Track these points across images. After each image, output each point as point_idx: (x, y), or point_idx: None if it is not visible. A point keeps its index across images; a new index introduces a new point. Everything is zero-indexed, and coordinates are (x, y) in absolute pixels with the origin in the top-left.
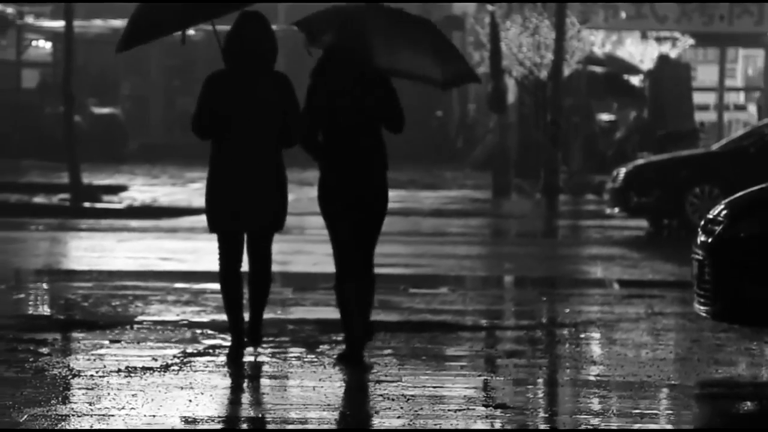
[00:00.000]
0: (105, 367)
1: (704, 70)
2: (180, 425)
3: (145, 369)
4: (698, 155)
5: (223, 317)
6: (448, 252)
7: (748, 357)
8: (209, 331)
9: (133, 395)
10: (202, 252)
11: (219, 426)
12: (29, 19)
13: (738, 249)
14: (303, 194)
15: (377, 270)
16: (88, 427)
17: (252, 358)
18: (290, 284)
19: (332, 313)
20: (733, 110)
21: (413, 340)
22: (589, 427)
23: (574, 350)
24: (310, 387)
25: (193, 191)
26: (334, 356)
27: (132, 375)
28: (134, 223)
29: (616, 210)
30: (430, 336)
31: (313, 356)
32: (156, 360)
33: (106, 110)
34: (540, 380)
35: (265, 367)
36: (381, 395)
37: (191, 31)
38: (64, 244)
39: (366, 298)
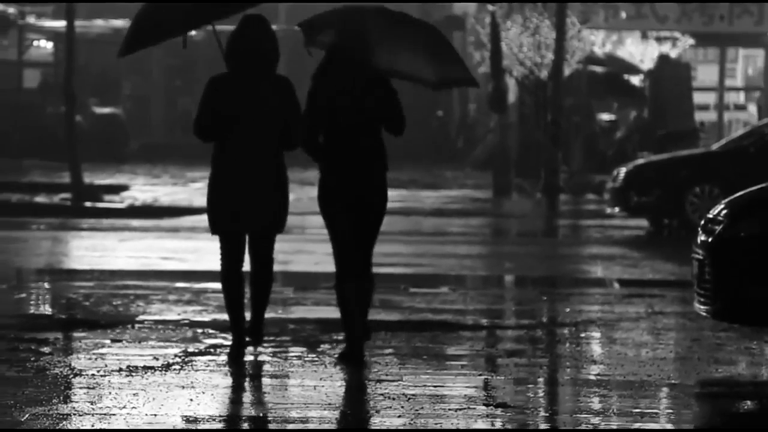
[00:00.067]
0: (106, 366)
1: (704, 70)
2: (181, 424)
3: (146, 368)
4: (698, 155)
5: (224, 317)
6: (448, 251)
7: (748, 356)
8: (210, 331)
9: (134, 394)
10: (203, 251)
11: (220, 425)
12: (31, 19)
13: (738, 248)
14: (304, 194)
15: (378, 269)
16: (90, 426)
17: (253, 358)
18: (291, 284)
19: (333, 313)
20: (733, 110)
21: (414, 340)
22: (589, 426)
23: (574, 349)
24: (311, 386)
25: (194, 191)
26: (335, 356)
27: (133, 374)
28: (135, 222)
29: (617, 209)
30: (430, 335)
31: (314, 355)
32: (157, 359)
33: (107, 110)
34: (540, 379)
35: (266, 367)
36: (382, 394)
37: (192, 32)
38: (66, 244)
39: (365, 298)
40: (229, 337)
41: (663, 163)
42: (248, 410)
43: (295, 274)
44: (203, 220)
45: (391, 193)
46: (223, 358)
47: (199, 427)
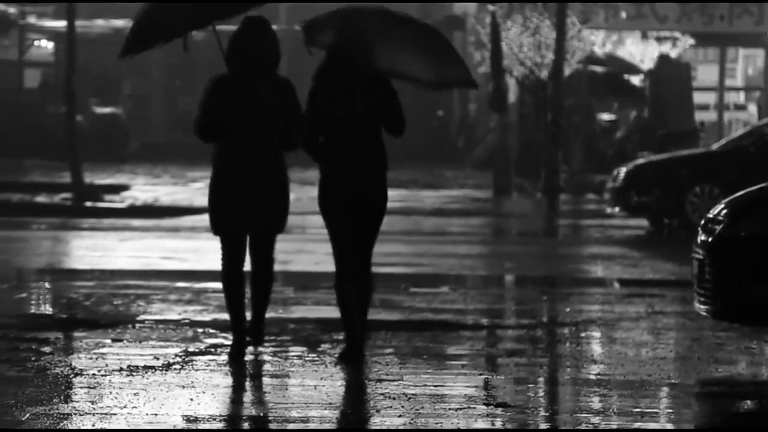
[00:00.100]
0: (107, 365)
1: (704, 70)
2: (182, 424)
3: (146, 368)
4: (698, 155)
5: (225, 316)
6: (449, 251)
7: (748, 356)
8: (211, 330)
9: (134, 394)
10: (204, 251)
11: (220, 425)
12: (31, 19)
13: (738, 248)
14: (304, 194)
15: (378, 269)
16: (90, 426)
17: (253, 357)
18: (292, 283)
19: (333, 312)
20: (733, 110)
21: (414, 339)
22: (589, 425)
23: (574, 349)
24: (311, 386)
25: (194, 191)
26: (336, 355)
27: (134, 374)
28: (136, 222)
29: (617, 209)
30: (431, 335)
31: (315, 355)
32: (158, 359)
33: (107, 110)
34: (541, 379)
35: (267, 366)
36: (382, 394)
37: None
38: (66, 244)
39: (365, 298)
40: (230, 336)
41: (663, 163)
42: (249, 410)
43: (295, 273)
44: (204, 219)
45: (392, 193)
46: (224, 357)
47: (199, 427)
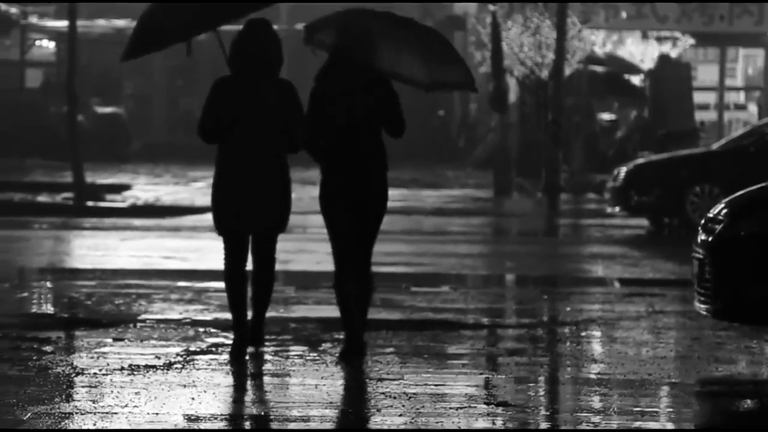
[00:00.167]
0: (108, 365)
1: (704, 70)
2: (183, 423)
3: (148, 367)
4: (698, 154)
5: (226, 315)
6: (449, 251)
7: (748, 355)
8: (212, 330)
9: (136, 393)
10: (205, 250)
11: (222, 424)
12: (33, 19)
13: (738, 248)
14: (305, 193)
15: (379, 268)
16: (92, 425)
17: (254, 357)
18: (292, 283)
19: (334, 312)
20: (734, 110)
21: (415, 339)
22: (590, 424)
23: (575, 348)
24: (312, 385)
25: (195, 190)
26: (336, 354)
27: (135, 373)
28: (137, 221)
29: (617, 209)
30: (431, 334)
31: (315, 354)
32: (159, 358)
33: (109, 110)
34: (541, 378)
35: (268, 365)
36: (383, 393)
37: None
38: (68, 243)
39: (365, 298)
40: (231, 336)
41: (663, 163)
42: (250, 409)
43: (296, 273)
44: (205, 219)
45: (392, 193)
46: (225, 356)
47: (200, 426)
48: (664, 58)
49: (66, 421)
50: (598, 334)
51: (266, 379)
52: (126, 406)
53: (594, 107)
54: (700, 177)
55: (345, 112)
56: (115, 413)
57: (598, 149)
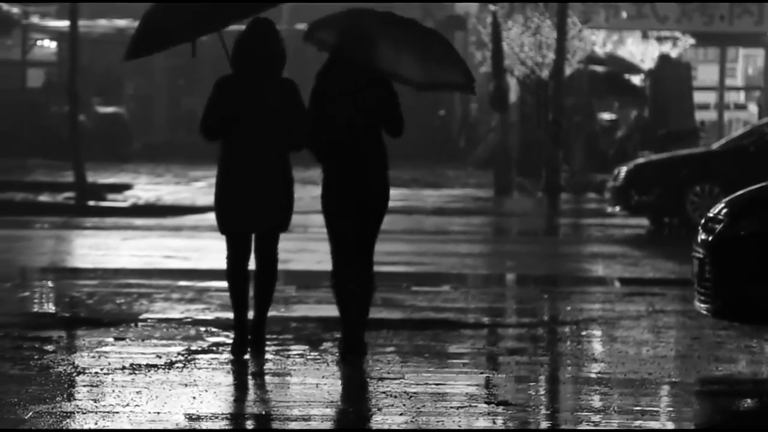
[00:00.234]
0: (109, 364)
1: (705, 70)
2: (184, 422)
3: (149, 366)
4: (699, 154)
5: (227, 315)
6: (450, 250)
7: (749, 354)
8: (213, 329)
9: (137, 392)
10: (206, 250)
11: (223, 423)
12: (34, 19)
13: (738, 247)
14: (306, 193)
15: (380, 268)
16: (93, 424)
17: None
18: (293, 282)
19: (335, 311)
20: (734, 109)
21: (416, 338)
22: (590, 423)
23: (575, 348)
24: (313, 384)
25: (196, 190)
26: (337, 354)
27: (136, 372)
28: (138, 221)
29: (617, 208)
30: (432, 333)
31: (316, 354)
32: (160, 357)
33: (110, 109)
34: (542, 377)
35: (269, 365)
36: (383, 392)
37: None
38: (69, 242)
39: (365, 298)
40: (232, 335)
41: (663, 163)
42: (250, 408)
43: (297, 272)
44: (206, 218)
45: (393, 192)
46: (226, 356)
47: (201, 425)
48: (664, 58)
49: (67, 420)
50: (598, 333)
51: (267, 378)
52: (127, 405)
53: (594, 107)
54: (700, 176)
55: (345, 111)
56: (117, 412)
57: (599, 149)
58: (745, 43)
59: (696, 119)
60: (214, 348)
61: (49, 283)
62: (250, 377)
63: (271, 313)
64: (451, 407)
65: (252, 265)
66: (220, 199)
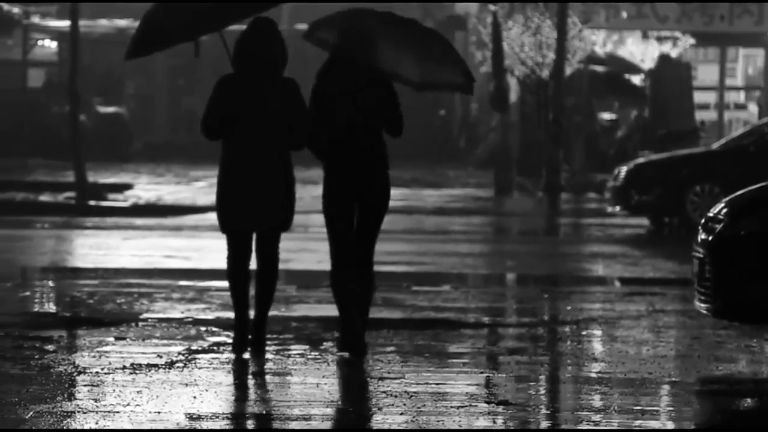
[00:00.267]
0: (110, 364)
1: (705, 70)
2: (184, 422)
3: (149, 366)
4: (699, 154)
5: (228, 314)
6: (450, 250)
7: (749, 354)
8: (214, 329)
9: (138, 392)
10: (207, 250)
11: (223, 422)
12: (35, 19)
13: (738, 247)
14: (306, 193)
15: (380, 268)
16: (94, 424)
17: (256, 355)
18: (294, 282)
19: (335, 311)
20: (734, 109)
21: (416, 337)
22: (590, 423)
23: (575, 347)
24: (313, 384)
25: (197, 190)
26: (337, 353)
27: (137, 372)
28: (139, 221)
29: (618, 208)
30: (432, 333)
31: (317, 353)
32: (161, 357)
33: (111, 109)
34: (542, 377)
35: (269, 364)
36: (384, 392)
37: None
38: (70, 242)
39: (366, 297)
40: (232, 334)
41: (663, 162)
42: (251, 408)
43: (298, 272)
44: (206, 218)
45: (394, 192)
46: (227, 355)
47: (202, 425)
48: (664, 58)
49: (68, 419)
50: (598, 333)
51: (267, 377)
52: (128, 404)
53: (594, 107)
54: (700, 176)
55: (345, 111)
56: (117, 412)
57: (599, 149)
58: (745, 43)
59: (696, 119)
60: (215, 348)
61: (50, 283)
62: (250, 377)
63: (271, 312)
64: (451, 407)
65: (253, 264)
66: (221, 199)
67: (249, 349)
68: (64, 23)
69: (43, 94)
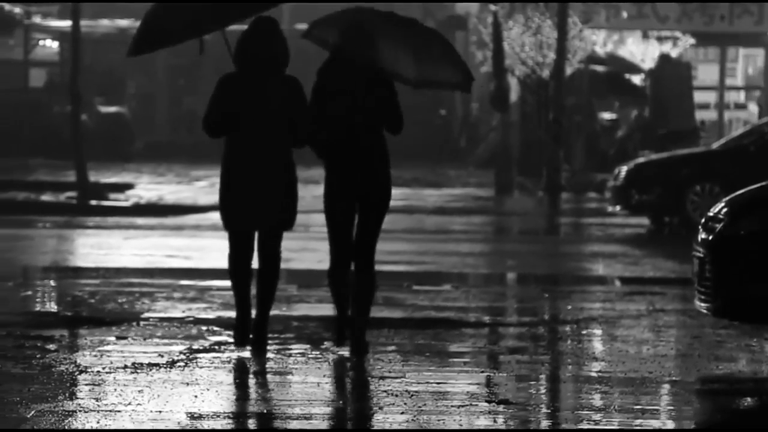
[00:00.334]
0: (111, 363)
1: (705, 69)
2: (186, 421)
3: (151, 365)
4: (699, 153)
5: (229, 314)
6: (451, 249)
7: (749, 353)
8: (215, 328)
9: (139, 391)
10: (208, 249)
11: (224, 421)
12: (36, 19)
13: (738, 246)
14: (307, 192)
15: (381, 267)
16: (95, 423)
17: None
18: (295, 281)
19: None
20: (734, 109)
21: (417, 337)
22: (590, 422)
23: (576, 347)
24: (314, 383)
25: (198, 189)
26: (337, 352)
27: (138, 371)
28: (140, 220)
29: (618, 208)
30: (433, 332)
31: (317, 353)
32: (162, 356)
33: (112, 109)
34: (542, 376)
35: (270, 363)
36: (384, 391)
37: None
38: (71, 242)
39: (367, 296)
40: (233, 333)
41: (664, 162)
42: (252, 407)
43: (299, 271)
44: (207, 218)
45: (394, 192)
46: (228, 355)
47: (203, 424)
48: (664, 58)
49: (69, 419)
50: (598, 332)
51: (268, 377)
52: (129, 404)
53: (595, 106)
54: (700, 176)
55: (345, 111)
56: (119, 411)
57: (599, 148)
58: (745, 43)
59: (696, 119)
60: (216, 347)
61: (52, 282)
62: (251, 376)
63: (272, 312)
64: (452, 406)
65: (255, 263)
66: (224, 198)
67: (250, 343)
68: (66, 23)
69: (45, 94)
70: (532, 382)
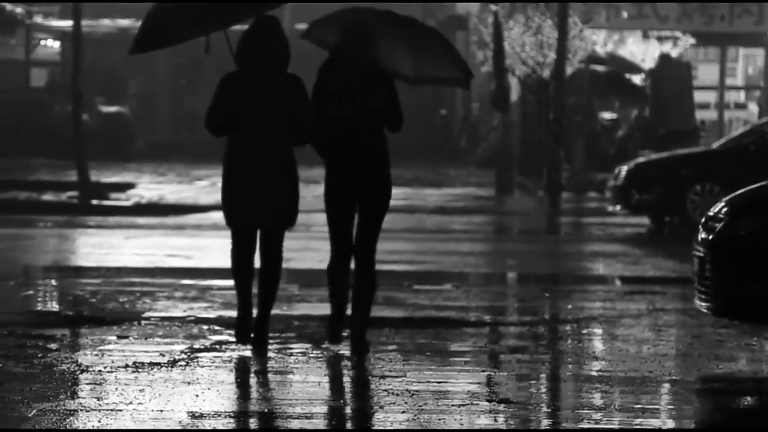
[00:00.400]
0: (112, 362)
1: (705, 69)
2: (187, 420)
3: (152, 364)
4: (699, 153)
5: (230, 313)
6: (451, 249)
7: (749, 353)
8: (216, 327)
9: (140, 390)
10: (209, 249)
11: (225, 421)
12: (38, 19)
13: (738, 246)
14: (308, 192)
15: (382, 266)
16: (96, 422)
17: (257, 354)
18: (296, 281)
19: None
20: (734, 109)
21: (417, 336)
22: (591, 422)
23: (576, 346)
24: (315, 382)
25: (199, 189)
26: (337, 352)
27: (139, 370)
28: (141, 220)
29: (618, 207)
30: (434, 332)
31: (318, 352)
32: (163, 355)
33: (113, 109)
34: (543, 376)
35: (271, 363)
36: (385, 390)
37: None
38: (72, 241)
39: (367, 296)
40: (233, 333)
41: (664, 162)
42: (253, 406)
43: (300, 271)
44: (208, 217)
45: (395, 191)
46: (229, 354)
47: (204, 423)
48: (664, 58)
49: (70, 418)
50: (599, 331)
51: (269, 376)
52: (130, 403)
53: (595, 106)
54: (700, 176)
55: (345, 110)
56: (120, 410)
57: (600, 148)
58: (745, 43)
59: (696, 119)
60: (217, 346)
61: (53, 282)
62: (252, 375)
63: (273, 311)
64: (452, 405)
65: (257, 262)
66: (225, 197)
67: (251, 342)
68: (67, 23)
69: (46, 94)
70: (533, 382)
